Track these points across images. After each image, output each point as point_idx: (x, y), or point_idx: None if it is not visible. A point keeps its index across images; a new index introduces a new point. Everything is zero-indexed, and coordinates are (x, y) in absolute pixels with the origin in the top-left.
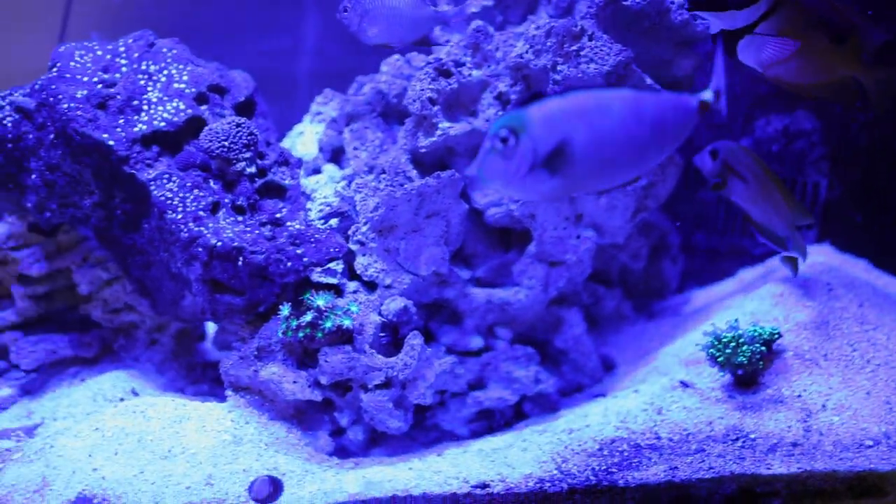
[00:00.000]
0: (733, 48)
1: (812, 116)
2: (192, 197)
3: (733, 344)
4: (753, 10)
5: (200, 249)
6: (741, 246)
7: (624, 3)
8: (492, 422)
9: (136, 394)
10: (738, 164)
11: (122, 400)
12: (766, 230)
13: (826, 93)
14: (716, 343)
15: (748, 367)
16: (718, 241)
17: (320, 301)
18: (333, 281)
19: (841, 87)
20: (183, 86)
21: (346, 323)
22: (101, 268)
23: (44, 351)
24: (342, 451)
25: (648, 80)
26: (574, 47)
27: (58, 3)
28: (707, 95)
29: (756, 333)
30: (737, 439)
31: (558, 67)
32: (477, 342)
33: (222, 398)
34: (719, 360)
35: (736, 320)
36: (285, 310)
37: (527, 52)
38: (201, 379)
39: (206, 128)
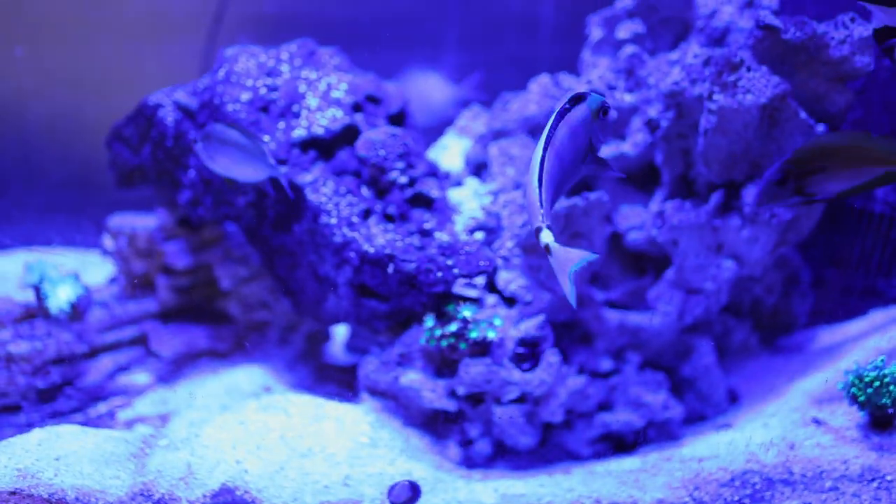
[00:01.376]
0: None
1: None
2: (345, 202)
3: (877, 383)
4: None
5: (353, 254)
6: (875, 286)
7: (783, 36)
8: (615, 445)
9: (268, 390)
10: (807, 163)
11: (258, 396)
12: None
13: None
14: (857, 382)
15: (893, 408)
16: (851, 279)
17: (466, 312)
18: (475, 294)
19: None
20: (341, 94)
21: (491, 335)
22: (241, 264)
23: (181, 342)
24: (468, 461)
25: (802, 115)
26: (732, 77)
27: (208, 8)
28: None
29: None
30: (872, 480)
31: (714, 97)
32: (607, 364)
33: (349, 399)
34: (860, 399)
35: (882, 360)
36: (430, 319)
37: (682, 79)
38: (328, 380)
39: (362, 136)
